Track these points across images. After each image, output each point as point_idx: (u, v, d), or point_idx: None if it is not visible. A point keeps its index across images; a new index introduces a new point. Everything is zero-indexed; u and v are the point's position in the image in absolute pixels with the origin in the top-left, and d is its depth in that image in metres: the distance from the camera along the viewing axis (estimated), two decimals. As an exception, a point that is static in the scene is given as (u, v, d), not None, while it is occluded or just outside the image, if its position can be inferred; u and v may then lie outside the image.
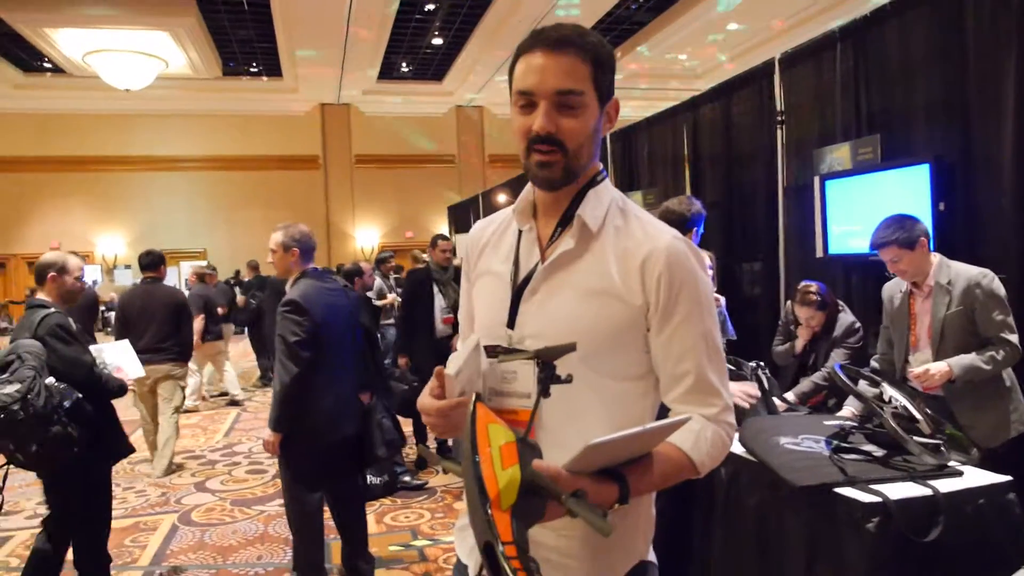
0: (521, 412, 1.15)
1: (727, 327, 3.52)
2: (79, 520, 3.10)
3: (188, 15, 11.96)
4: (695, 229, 3.43)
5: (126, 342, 3.96)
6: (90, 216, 17.82)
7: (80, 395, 2.88)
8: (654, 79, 15.48)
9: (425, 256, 6.04)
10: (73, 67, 14.34)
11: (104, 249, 18.03)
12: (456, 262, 6.39)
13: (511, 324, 1.21)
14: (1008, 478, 2.20)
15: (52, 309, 3.03)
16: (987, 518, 2.13)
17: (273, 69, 15.77)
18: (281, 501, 3.88)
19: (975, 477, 2.20)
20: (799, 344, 3.70)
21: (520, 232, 1.28)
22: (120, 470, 5.58)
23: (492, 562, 0.83)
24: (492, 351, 1.21)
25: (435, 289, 5.38)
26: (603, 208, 1.23)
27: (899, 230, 2.70)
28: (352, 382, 3.39)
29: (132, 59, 13.22)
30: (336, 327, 3.25)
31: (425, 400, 1.14)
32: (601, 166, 1.27)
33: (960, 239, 3.21)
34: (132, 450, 3.36)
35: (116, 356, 3.56)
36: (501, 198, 10.86)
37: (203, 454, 6.19)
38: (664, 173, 6.32)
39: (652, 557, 1.28)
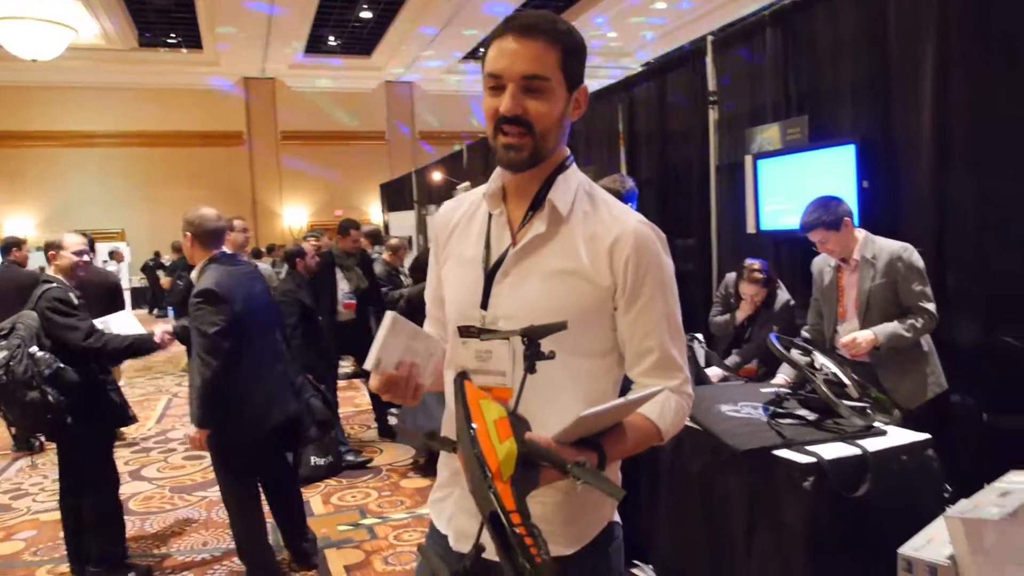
0: (496, 390, 1.21)
1: None
2: (85, 487, 3.35)
3: (101, -18, 11.37)
4: (629, 206, 3.53)
5: (127, 311, 4.06)
6: (-5, 195, 16.84)
7: (62, 365, 3.11)
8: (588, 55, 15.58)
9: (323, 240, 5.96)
10: (-27, 36, 13.42)
11: (11, 230, 17.07)
12: (392, 251, 6.36)
13: (484, 305, 1.26)
14: (927, 436, 2.38)
15: (53, 284, 3.27)
16: (910, 473, 2.32)
17: (193, 41, 15.16)
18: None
19: (898, 436, 2.38)
20: (739, 316, 3.88)
21: (490, 215, 1.31)
22: (47, 461, 5.40)
23: (499, 531, 0.87)
24: (467, 331, 1.25)
25: (338, 274, 5.36)
26: (571, 193, 1.27)
27: (824, 212, 2.86)
28: (283, 365, 3.32)
29: (40, 27, 12.46)
30: (258, 312, 3.16)
31: (372, 381, 1.20)
32: (568, 151, 1.32)
33: (882, 216, 3.41)
34: (133, 419, 3.61)
35: (122, 325, 3.58)
36: (436, 176, 10.80)
37: (136, 441, 6.01)
38: (600, 151, 6.42)
39: (617, 517, 1.36)
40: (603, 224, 1.25)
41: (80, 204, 16.98)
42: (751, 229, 4.30)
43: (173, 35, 15.07)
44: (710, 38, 4.86)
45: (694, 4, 12.89)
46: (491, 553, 0.94)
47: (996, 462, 3.17)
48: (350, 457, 4.92)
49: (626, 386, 1.30)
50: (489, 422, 0.97)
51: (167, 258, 15.20)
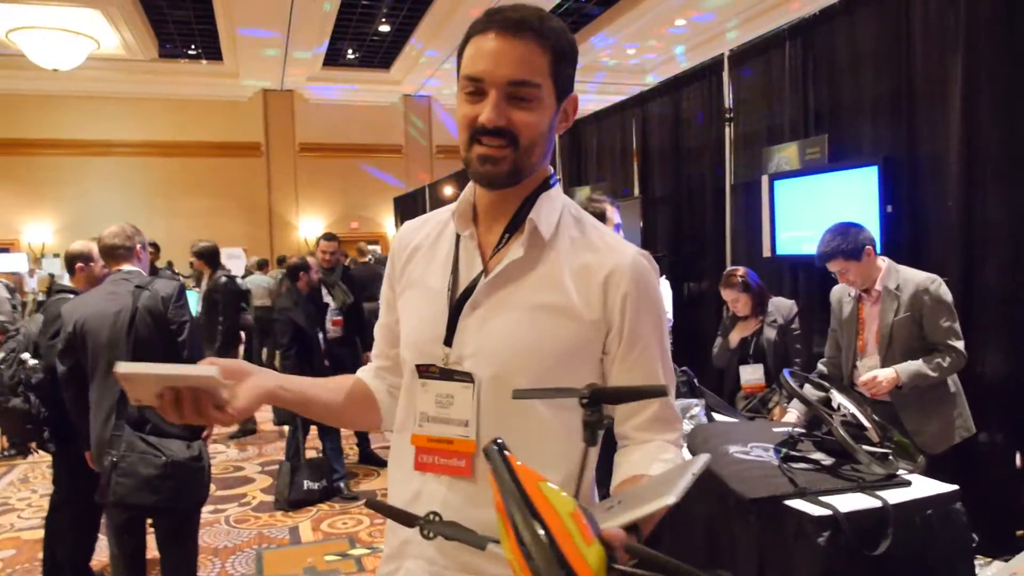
0: (458, 442, 1.04)
1: None
2: (69, 504, 3.26)
3: (121, -7, 11.42)
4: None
5: None
6: (15, 202, 16.93)
7: (43, 375, 3.01)
8: (603, 72, 15.48)
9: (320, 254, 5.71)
10: (-4, 44, 13.57)
11: (31, 237, 17.19)
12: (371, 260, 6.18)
13: (448, 341, 1.08)
14: (955, 487, 2.17)
15: (69, 296, 3.13)
16: (934, 528, 2.10)
17: (213, 52, 15.21)
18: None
19: (923, 487, 2.17)
20: (733, 338, 3.65)
21: (458, 238, 1.13)
22: (39, 475, 5.28)
23: None
24: (426, 371, 1.08)
25: (323, 290, 5.16)
26: (556, 214, 1.11)
27: (843, 241, 2.67)
28: None
29: (61, 38, 12.56)
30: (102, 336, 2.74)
31: None
32: (552, 169, 1.15)
33: (906, 242, 3.21)
34: None
35: None
36: (447, 190, 10.68)
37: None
38: (613, 168, 6.26)
39: None
40: (595, 253, 1.08)
41: (98, 212, 17.00)
42: (767, 253, 4.10)
43: (193, 47, 15.13)
44: (727, 53, 4.70)
45: (713, 19, 12.71)
46: None
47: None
48: (342, 485, 4.72)
49: (610, 439, 1.12)
50: (565, 517, 0.70)
51: (179, 271, 15.21)
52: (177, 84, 16.71)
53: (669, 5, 11.90)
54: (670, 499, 0.75)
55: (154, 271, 4.83)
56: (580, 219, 1.13)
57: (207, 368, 0.95)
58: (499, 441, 0.76)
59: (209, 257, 5.62)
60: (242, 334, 7.46)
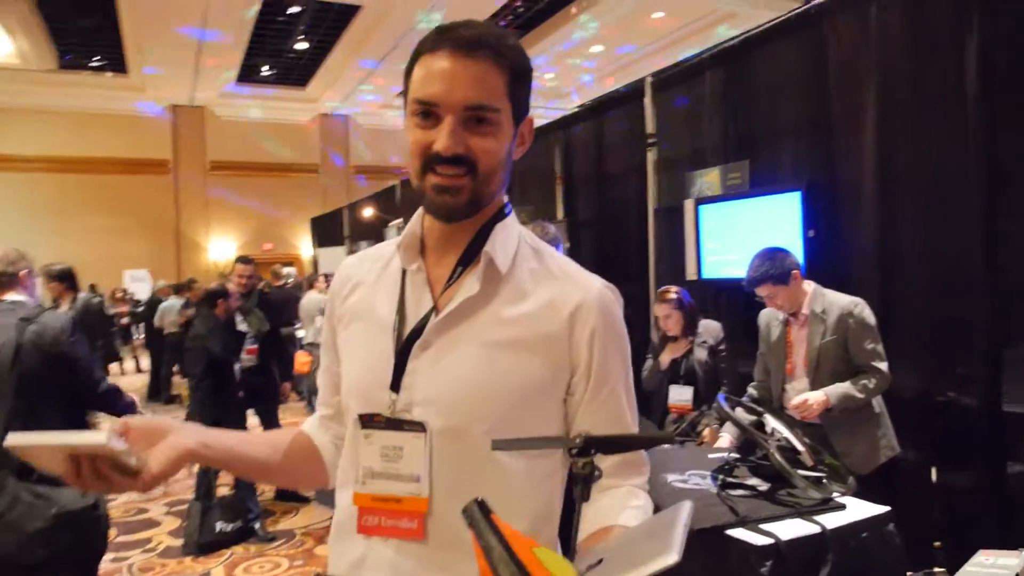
0: (407, 500, 0.94)
1: None
2: None
3: (18, 0, 10.76)
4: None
5: None
6: None
7: None
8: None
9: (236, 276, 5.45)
10: None
11: (-91, 258, 15.90)
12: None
13: (395, 386, 0.98)
14: (887, 509, 2.20)
15: None
16: (870, 551, 2.12)
17: (117, 65, 14.52)
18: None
19: (858, 510, 2.18)
20: (664, 359, 3.64)
21: (404, 272, 1.04)
22: None
23: None
24: (370, 420, 0.97)
25: (237, 316, 4.91)
26: (513, 246, 1.03)
27: (771, 266, 2.70)
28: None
29: (-53, 45, 11.76)
30: None
31: None
32: (507, 198, 1.07)
33: (826, 266, 3.28)
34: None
35: None
36: (367, 212, 10.48)
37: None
38: (537, 192, 6.26)
39: None
40: (558, 285, 1.01)
41: (-10, 231, 15.94)
42: (691, 276, 4.14)
43: (97, 58, 14.42)
44: (649, 79, 4.77)
45: (632, 48, 13.05)
46: None
47: (948, 521, 3.06)
48: (257, 526, 4.44)
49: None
50: None
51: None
52: (78, 96, 15.86)
53: (589, 31, 12.16)
54: (671, 557, 0.67)
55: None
56: (538, 249, 1.06)
57: (96, 434, 0.83)
58: (480, 500, 0.68)
59: (69, 279, 4.92)
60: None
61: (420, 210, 1.05)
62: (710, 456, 2.58)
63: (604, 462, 0.99)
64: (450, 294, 1.00)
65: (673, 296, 3.50)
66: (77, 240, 16.23)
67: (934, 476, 3.12)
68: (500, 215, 1.03)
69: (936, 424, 3.03)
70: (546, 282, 1.01)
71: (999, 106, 2.69)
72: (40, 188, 16.58)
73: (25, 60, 13.30)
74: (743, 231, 3.69)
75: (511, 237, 1.03)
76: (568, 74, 14.72)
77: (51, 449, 0.86)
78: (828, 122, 3.46)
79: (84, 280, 14.59)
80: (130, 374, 11.88)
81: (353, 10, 11.64)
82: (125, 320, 12.05)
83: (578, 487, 0.71)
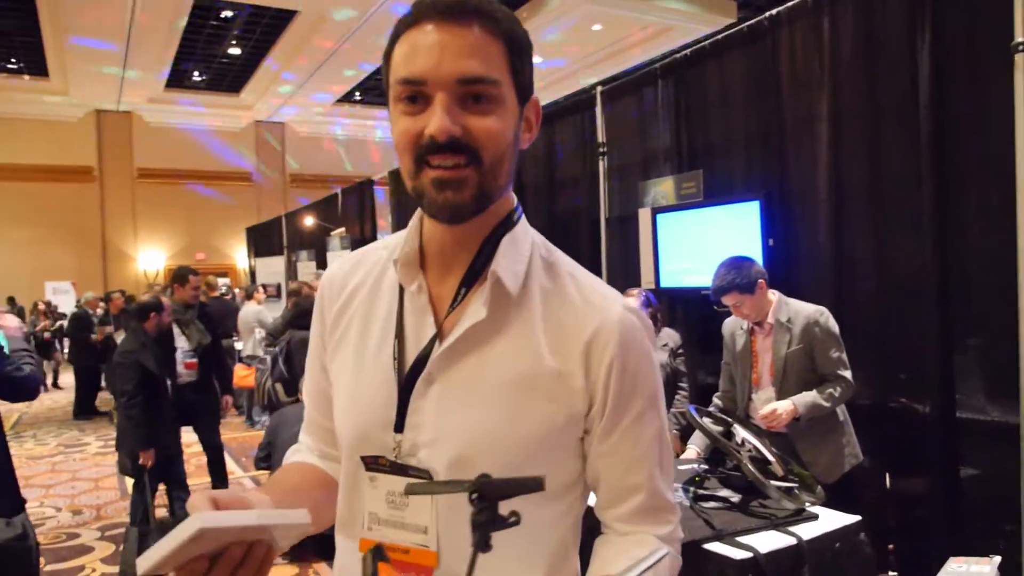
0: (415, 552, 0.83)
1: None
2: None
3: (-75, -4, 10.13)
4: None
5: None
6: None
7: None
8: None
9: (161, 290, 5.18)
10: None
11: None
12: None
13: (399, 427, 0.86)
14: (858, 518, 2.20)
15: None
16: (842, 560, 2.11)
17: (37, 66, 13.82)
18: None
19: (830, 520, 2.18)
20: None
21: (401, 290, 0.91)
22: None
23: None
24: (373, 464, 0.86)
25: (175, 330, 4.70)
26: (524, 261, 0.89)
27: (737, 275, 2.68)
28: None
29: None
30: None
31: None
32: (516, 199, 0.95)
33: (782, 274, 3.30)
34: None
35: None
36: (309, 221, 10.22)
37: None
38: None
39: None
40: (573, 309, 0.88)
41: None
42: (648, 284, 4.13)
43: (14, 59, 13.69)
44: (600, 88, 4.76)
45: (569, 61, 13.13)
46: None
47: (901, 526, 3.11)
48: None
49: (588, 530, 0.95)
50: None
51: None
52: (-6, 100, 15.05)
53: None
54: None
55: None
56: (552, 263, 0.92)
57: (294, 513, 0.73)
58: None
59: None
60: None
61: (417, 216, 0.92)
62: (680, 468, 2.54)
63: (619, 509, 0.90)
64: (454, 318, 0.88)
65: (638, 293, 3.48)
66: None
67: (888, 482, 3.18)
68: (508, 222, 0.90)
69: (890, 431, 3.08)
70: (560, 305, 0.88)
71: (950, 115, 2.75)
72: (-48, 196, 15.66)
73: (-65, 60, 12.56)
74: (701, 240, 3.70)
75: (522, 252, 0.90)
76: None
77: (233, 532, 0.70)
78: (781, 132, 3.50)
79: (1, 293, 13.87)
80: (50, 391, 11.27)
81: (290, 15, 11.38)
82: (47, 335, 11.42)
83: (475, 534, 0.64)
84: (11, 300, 13.30)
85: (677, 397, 3.35)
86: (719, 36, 3.93)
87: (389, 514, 0.85)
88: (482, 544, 0.64)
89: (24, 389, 2.42)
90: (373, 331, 0.91)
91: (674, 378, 3.44)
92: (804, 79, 3.38)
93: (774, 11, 3.48)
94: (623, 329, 0.86)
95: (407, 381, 0.86)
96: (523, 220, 0.93)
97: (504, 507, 0.70)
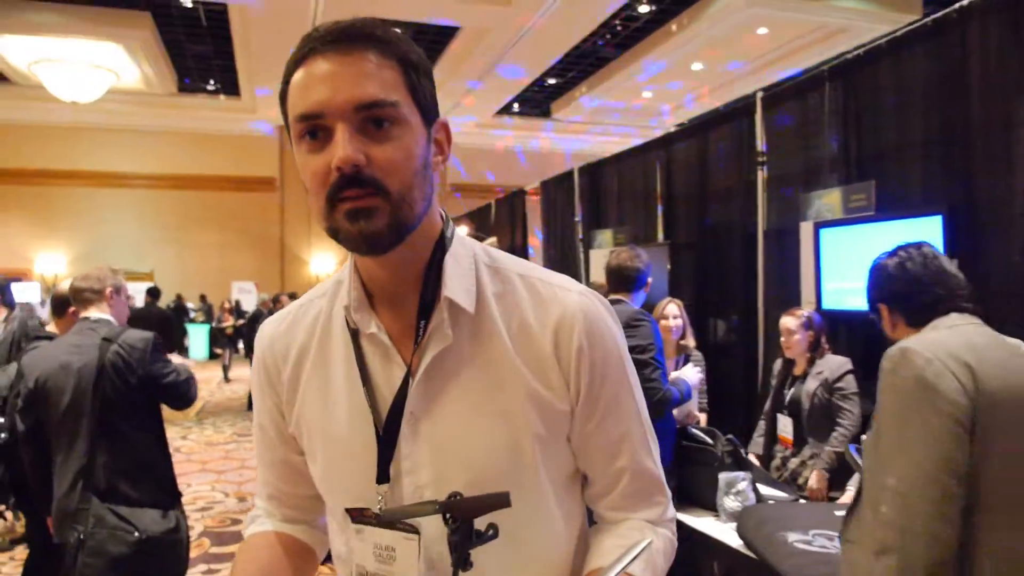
0: None
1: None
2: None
3: (142, 28, 11.44)
4: (649, 281, 3.24)
5: None
6: (29, 232, 16.95)
7: (7, 435, 2.86)
8: (622, 114, 15.41)
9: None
10: (17, 76, 13.65)
11: (43, 267, 17.15)
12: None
13: (383, 477, 0.84)
14: None
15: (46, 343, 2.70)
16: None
17: (231, 88, 15.27)
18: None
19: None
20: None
21: (356, 335, 0.88)
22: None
23: None
24: (359, 517, 0.85)
25: None
26: (471, 276, 0.88)
27: None
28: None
29: (81, 70, 12.61)
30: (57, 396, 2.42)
31: None
32: (443, 213, 0.91)
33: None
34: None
35: None
36: (463, 230, 10.50)
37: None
38: (634, 211, 6.04)
39: None
40: (530, 306, 0.88)
41: (111, 243, 17.02)
42: (808, 305, 3.81)
43: (212, 81, 15.20)
44: (760, 94, 4.48)
45: (736, 66, 12.62)
46: None
47: None
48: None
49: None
50: None
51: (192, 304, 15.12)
52: (194, 118, 16.78)
53: (687, 50, 11.82)
54: None
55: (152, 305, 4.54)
56: (497, 268, 0.91)
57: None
58: None
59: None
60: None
61: (348, 263, 0.90)
62: (837, 514, 2.29)
63: (609, 497, 0.92)
64: (420, 353, 0.86)
65: (802, 314, 3.30)
66: (191, 253, 17.18)
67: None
68: (443, 243, 0.88)
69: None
70: (516, 304, 0.88)
71: None
72: (158, 204, 17.64)
73: (149, 84, 14.16)
74: (870, 258, 3.34)
75: (465, 268, 0.88)
76: (665, 92, 14.40)
77: None
78: (968, 138, 3.11)
79: (195, 290, 15.42)
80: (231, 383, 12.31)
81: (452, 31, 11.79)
82: (229, 330, 12.52)
83: (454, 555, 0.66)
84: (203, 297, 14.71)
85: (834, 434, 3.03)
86: (897, 33, 3.56)
87: (376, 568, 0.83)
88: (461, 562, 0.66)
89: (185, 396, 2.61)
90: (335, 385, 0.89)
91: (830, 412, 3.12)
92: (998, 78, 2.98)
93: (965, 1, 3.10)
94: (586, 314, 0.87)
95: (389, 425, 0.84)
96: (457, 234, 0.90)
97: (508, 515, 0.73)
